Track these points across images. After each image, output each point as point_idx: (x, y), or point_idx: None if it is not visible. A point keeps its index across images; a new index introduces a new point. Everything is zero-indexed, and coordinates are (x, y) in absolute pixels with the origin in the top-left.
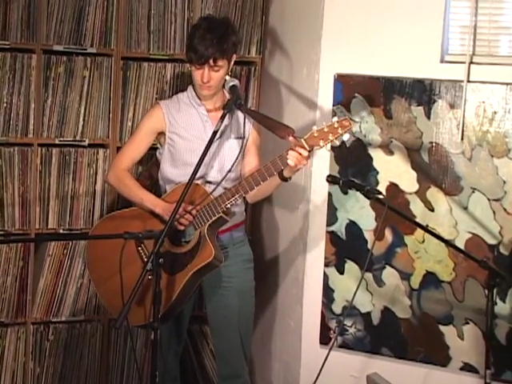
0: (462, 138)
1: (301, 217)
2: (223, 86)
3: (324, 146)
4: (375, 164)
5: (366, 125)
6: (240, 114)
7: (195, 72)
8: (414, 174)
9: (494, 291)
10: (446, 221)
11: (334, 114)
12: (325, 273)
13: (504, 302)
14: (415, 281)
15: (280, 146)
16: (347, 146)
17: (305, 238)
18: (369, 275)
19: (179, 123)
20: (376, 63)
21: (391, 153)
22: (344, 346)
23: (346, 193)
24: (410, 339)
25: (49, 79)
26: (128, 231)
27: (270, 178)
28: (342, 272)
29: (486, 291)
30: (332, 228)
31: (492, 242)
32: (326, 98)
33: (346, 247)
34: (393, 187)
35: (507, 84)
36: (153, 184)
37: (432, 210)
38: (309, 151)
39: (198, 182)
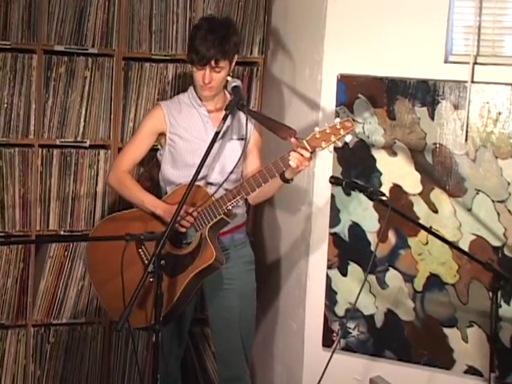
0: (466, 139)
1: (303, 218)
2: (224, 87)
3: (326, 147)
4: (378, 165)
5: (370, 126)
6: (241, 115)
7: (196, 73)
8: (417, 176)
9: (499, 294)
10: (450, 222)
11: (337, 114)
12: (327, 275)
13: (508, 304)
14: (419, 283)
15: (282, 147)
16: (350, 146)
17: (307, 240)
18: (372, 277)
19: (180, 124)
20: (379, 64)
21: (395, 154)
22: (347, 348)
23: (348, 194)
24: (414, 342)
25: (50, 80)
26: (129, 233)
27: (271, 179)
28: (344, 274)
29: (491, 293)
30: (335, 230)
31: (496, 243)
32: (328, 98)
33: (349, 249)
34: (396, 188)
35: None
36: (153, 185)
37: (436, 211)
38: (311, 152)
39: (199, 183)
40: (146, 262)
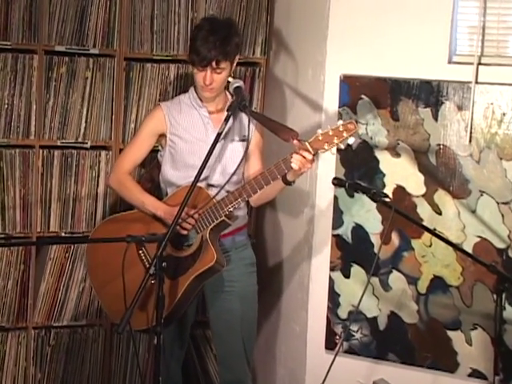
0: (470, 140)
1: (306, 220)
2: (226, 88)
3: (329, 149)
4: (382, 166)
5: (373, 127)
6: (243, 116)
7: (197, 74)
8: (421, 177)
9: (503, 296)
10: (454, 224)
11: (340, 115)
12: (330, 277)
13: None
14: (422, 285)
15: (284, 149)
16: (353, 148)
17: (310, 242)
18: (375, 279)
19: (180, 125)
20: (383, 64)
21: (398, 155)
22: (350, 351)
23: (352, 196)
24: (417, 345)
25: (50, 80)
26: (130, 234)
27: (273, 181)
28: (347, 276)
29: (495, 296)
30: (338, 231)
31: (501, 245)
32: (331, 99)
33: (352, 251)
34: (399, 190)
35: None
36: (154, 187)
37: (439, 213)
38: (313, 155)
39: (201, 185)
40: (147, 263)
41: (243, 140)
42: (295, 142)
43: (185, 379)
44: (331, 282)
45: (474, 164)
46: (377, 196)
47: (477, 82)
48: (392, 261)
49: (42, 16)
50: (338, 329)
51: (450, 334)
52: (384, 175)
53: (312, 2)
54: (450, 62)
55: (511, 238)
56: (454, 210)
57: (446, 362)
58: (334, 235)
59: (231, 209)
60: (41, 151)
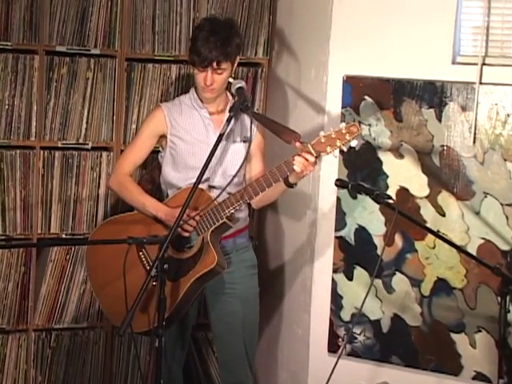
0: (474, 142)
1: (308, 222)
2: (226, 88)
3: (331, 151)
4: (385, 168)
5: (376, 128)
6: (245, 117)
7: (198, 75)
8: (424, 178)
9: (507, 298)
10: (458, 226)
11: (343, 116)
12: (333, 279)
13: None
14: (426, 287)
15: (286, 151)
16: (356, 149)
17: (312, 244)
18: (378, 282)
19: (181, 126)
20: (386, 65)
21: (401, 156)
22: (353, 354)
23: (354, 197)
24: (421, 347)
25: (51, 81)
26: (132, 236)
27: (275, 183)
28: (350, 278)
29: (499, 298)
30: (341, 233)
31: (505, 247)
32: (334, 100)
33: (355, 253)
34: (403, 191)
35: None
36: (155, 188)
37: (443, 214)
38: (316, 157)
39: (202, 186)
40: (147, 265)
41: (245, 141)
42: (297, 144)
43: (186, 382)
44: (334, 284)
45: (478, 165)
46: (380, 197)
47: (481, 83)
48: (395, 263)
49: (42, 16)
50: (341, 331)
51: (454, 336)
52: (387, 176)
53: (315, 2)
54: (453, 62)
55: None
56: (458, 211)
57: (450, 364)
58: (336, 237)
59: (232, 211)
60: (41, 152)
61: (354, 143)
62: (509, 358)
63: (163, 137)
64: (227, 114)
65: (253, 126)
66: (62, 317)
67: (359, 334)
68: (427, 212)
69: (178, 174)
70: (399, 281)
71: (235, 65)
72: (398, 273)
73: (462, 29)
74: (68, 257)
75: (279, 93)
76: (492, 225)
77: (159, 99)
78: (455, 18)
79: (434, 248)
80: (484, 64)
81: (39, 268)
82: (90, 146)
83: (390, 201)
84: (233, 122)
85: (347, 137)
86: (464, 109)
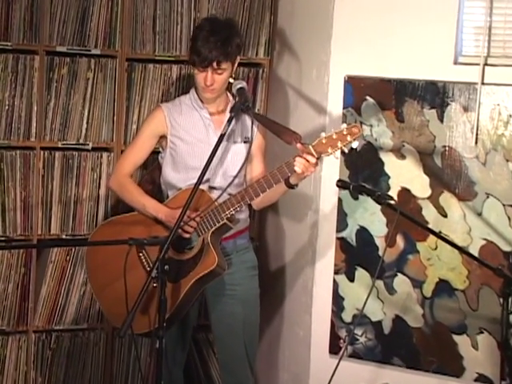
0: (476, 142)
1: (310, 223)
2: (227, 89)
3: (332, 153)
4: (386, 168)
5: (378, 128)
6: (245, 118)
7: (198, 75)
8: (426, 179)
9: (510, 300)
10: (460, 227)
11: (344, 117)
12: (334, 280)
13: None
14: (428, 289)
15: (287, 151)
16: (358, 150)
17: (314, 245)
18: (380, 283)
19: (181, 126)
20: (387, 65)
21: (403, 157)
22: (354, 355)
23: (356, 198)
24: (423, 349)
25: (52, 81)
26: (132, 237)
27: (276, 185)
28: (352, 279)
29: (501, 300)
30: (342, 234)
31: (507, 248)
32: (335, 100)
33: (357, 254)
34: (405, 192)
35: None
36: (155, 188)
37: (445, 215)
38: (317, 158)
39: (202, 187)
40: (147, 266)
41: (246, 142)
42: (299, 145)
43: (187, 383)
44: (335, 285)
45: (480, 166)
46: (381, 198)
47: (483, 83)
48: (397, 264)
49: (43, 16)
50: (343, 333)
51: (456, 338)
52: (389, 177)
53: (316, 1)
54: (455, 62)
55: None
56: (460, 212)
57: (452, 366)
58: (338, 238)
59: (233, 212)
60: (42, 153)
61: (355, 144)
62: (511, 359)
63: (163, 137)
64: (227, 115)
65: (253, 126)
66: (62, 318)
67: (361, 336)
68: (429, 213)
69: (178, 175)
70: (401, 282)
71: (235, 65)
72: (399, 274)
73: (464, 29)
74: (68, 258)
75: (280, 93)
76: (494, 226)
77: (160, 99)
78: (457, 17)
79: (435, 249)
80: (486, 64)
81: (39, 269)
82: (90, 147)
83: (392, 202)
84: (233, 122)
85: (348, 138)
86: (466, 109)
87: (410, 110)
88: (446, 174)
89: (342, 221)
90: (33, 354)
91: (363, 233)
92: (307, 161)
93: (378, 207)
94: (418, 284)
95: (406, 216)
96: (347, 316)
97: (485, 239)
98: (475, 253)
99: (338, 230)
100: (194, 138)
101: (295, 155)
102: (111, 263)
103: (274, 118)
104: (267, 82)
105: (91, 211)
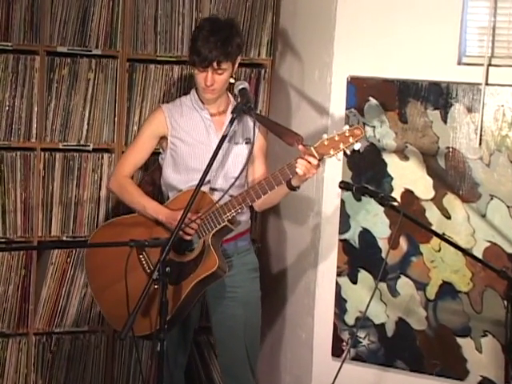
0: (480, 143)
1: (312, 224)
2: (228, 89)
3: (334, 154)
4: (390, 170)
5: (381, 129)
6: (247, 119)
7: (198, 75)
8: (429, 181)
9: None
10: (464, 229)
11: (347, 118)
12: (337, 282)
13: None
14: (431, 291)
15: (289, 153)
16: (360, 151)
17: (316, 247)
18: (383, 285)
19: (182, 127)
20: (390, 65)
21: (406, 158)
22: (357, 358)
23: (359, 200)
24: (426, 352)
25: (52, 82)
26: (133, 239)
27: (277, 186)
28: (355, 282)
29: (505, 302)
30: (345, 236)
31: (511, 250)
32: (338, 101)
33: (360, 256)
34: (408, 194)
35: None
36: (155, 190)
37: (449, 217)
38: (319, 160)
39: (203, 189)
40: (147, 268)
41: (247, 143)
42: (301, 147)
43: None
44: (338, 287)
45: (483, 167)
46: (385, 200)
47: (487, 84)
48: (400, 266)
49: (43, 16)
50: (345, 335)
51: (460, 340)
52: (392, 179)
53: (318, 2)
54: (459, 63)
55: None
56: (464, 214)
57: (456, 369)
58: (340, 240)
59: (234, 214)
60: (42, 154)
61: (357, 146)
62: None
63: (164, 138)
64: (228, 115)
65: (255, 127)
66: (62, 320)
67: (363, 338)
68: (432, 214)
69: (178, 176)
70: (404, 284)
71: (236, 65)
72: (402, 276)
73: (467, 29)
74: (69, 260)
75: (282, 94)
76: (498, 227)
77: (161, 100)
78: (461, 18)
79: (439, 251)
80: (490, 65)
81: (40, 271)
82: (91, 148)
83: (395, 203)
84: (235, 123)
85: (351, 140)
86: (470, 110)
87: (414, 111)
88: (450, 176)
89: (344, 222)
90: (33, 357)
91: (366, 235)
92: (309, 162)
93: (381, 209)
94: (421, 286)
95: (409, 218)
96: (350, 318)
97: (489, 241)
98: (479, 255)
99: (341, 232)
100: (195, 139)
101: (297, 157)
102: (111, 265)
103: (275, 119)
104: (269, 83)
105: (92, 213)
